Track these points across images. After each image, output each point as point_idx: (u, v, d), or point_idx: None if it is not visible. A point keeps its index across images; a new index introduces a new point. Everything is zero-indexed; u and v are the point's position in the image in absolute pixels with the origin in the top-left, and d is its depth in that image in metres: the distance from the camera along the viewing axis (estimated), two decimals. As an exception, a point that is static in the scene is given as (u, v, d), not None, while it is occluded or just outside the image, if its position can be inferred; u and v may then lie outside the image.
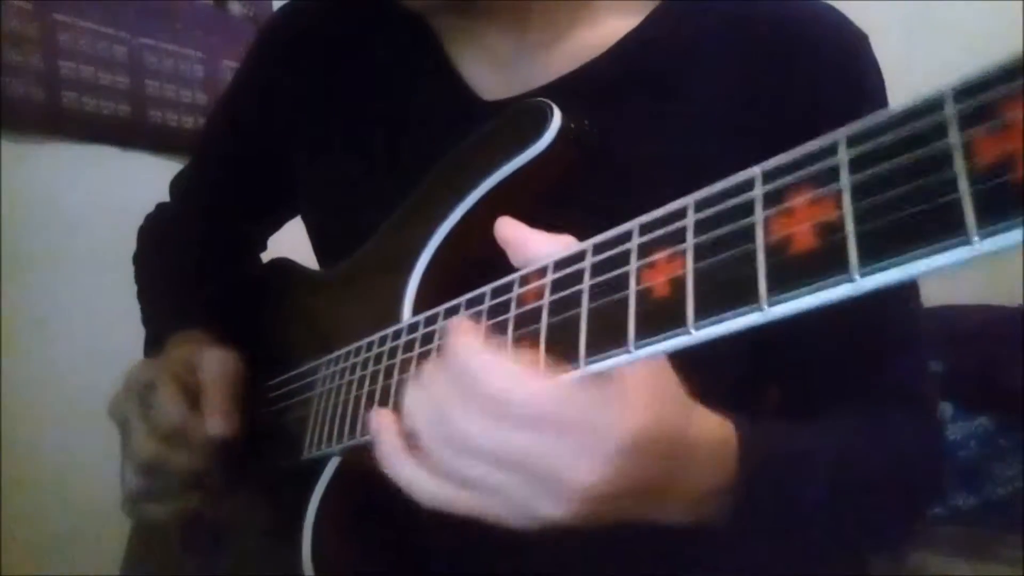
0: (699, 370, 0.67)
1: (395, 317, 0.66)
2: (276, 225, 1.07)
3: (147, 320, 1.00)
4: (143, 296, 1.04)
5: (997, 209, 0.24)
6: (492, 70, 0.77)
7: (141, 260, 1.07)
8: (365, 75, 0.83)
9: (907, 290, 0.71)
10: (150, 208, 1.10)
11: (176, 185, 1.08)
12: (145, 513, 0.79)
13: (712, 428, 0.53)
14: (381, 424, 0.55)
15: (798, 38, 0.69)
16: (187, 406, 0.75)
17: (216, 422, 0.74)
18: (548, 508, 0.47)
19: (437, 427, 0.48)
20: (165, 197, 1.09)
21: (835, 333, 0.68)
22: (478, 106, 0.75)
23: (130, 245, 1.08)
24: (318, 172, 0.87)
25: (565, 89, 0.71)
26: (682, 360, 0.64)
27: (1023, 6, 1.61)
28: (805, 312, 0.31)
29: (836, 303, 0.65)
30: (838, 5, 0.72)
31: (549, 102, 0.63)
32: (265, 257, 1.09)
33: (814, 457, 0.62)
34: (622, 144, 0.69)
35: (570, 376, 0.44)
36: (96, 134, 1.72)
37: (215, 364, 0.77)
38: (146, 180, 1.43)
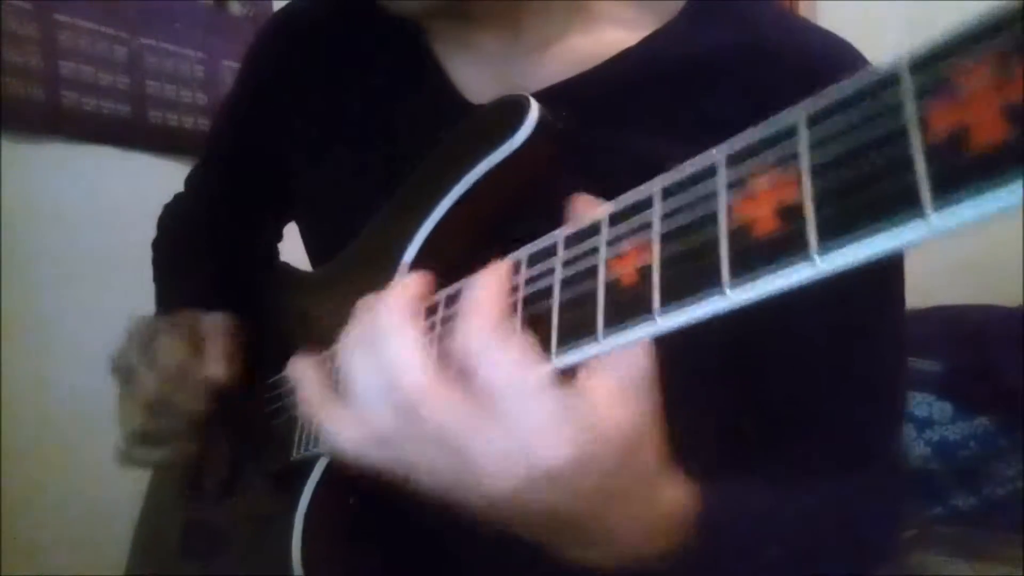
0: (677, 405, 0.68)
1: None
2: (285, 220, 1.08)
3: (158, 303, 1.02)
4: (158, 282, 1.06)
5: (952, 183, 0.24)
6: (483, 74, 0.76)
7: (157, 248, 1.09)
8: (357, 78, 0.83)
9: (890, 343, 0.72)
10: (150, 208, 1.10)
11: (191, 179, 1.10)
12: (143, 456, 0.84)
13: (676, 493, 0.52)
14: (303, 372, 0.56)
15: (806, 70, 0.66)
16: (188, 351, 0.79)
17: (216, 365, 0.79)
18: (461, 493, 0.46)
19: (392, 385, 0.47)
20: (164, 198, 1.10)
21: (811, 378, 0.69)
22: (468, 110, 0.75)
23: (129, 245, 1.08)
24: (311, 174, 0.87)
25: (559, 96, 0.70)
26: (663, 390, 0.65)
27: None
28: (769, 296, 0.31)
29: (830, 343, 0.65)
30: (843, 6, 0.71)
31: (527, 95, 0.63)
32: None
33: (765, 526, 0.62)
34: (614, 157, 0.69)
35: (545, 376, 0.43)
36: (96, 134, 1.71)
37: (215, 319, 0.83)
38: (146, 180, 1.44)
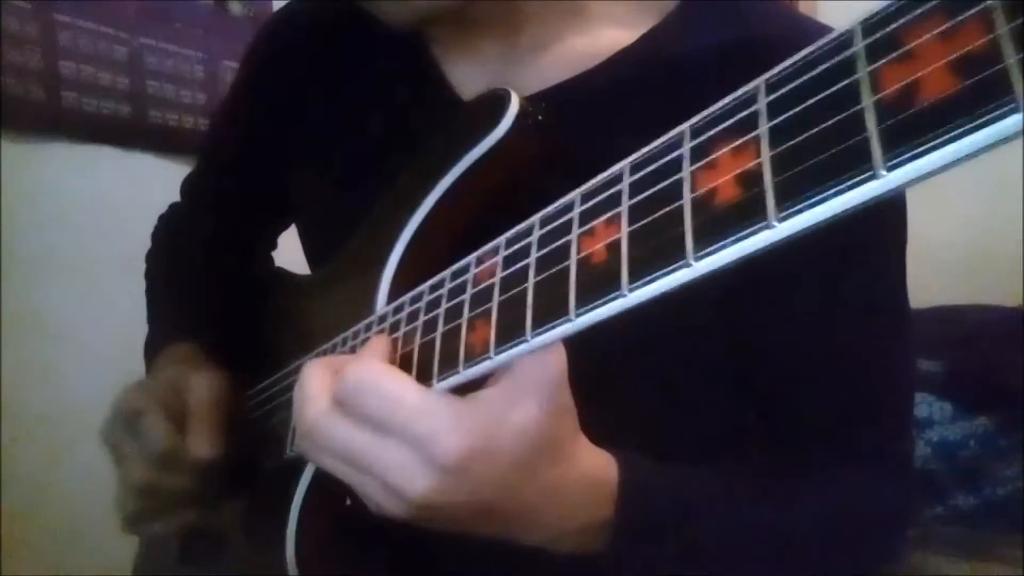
0: (681, 419, 0.68)
1: (371, 311, 0.66)
2: (281, 226, 1.08)
3: (150, 319, 1.02)
4: (150, 296, 1.05)
5: (902, 140, 0.24)
6: (481, 76, 0.76)
7: (152, 260, 1.08)
8: (357, 80, 0.83)
9: (900, 348, 0.72)
10: (150, 208, 1.10)
11: (186, 185, 1.09)
12: (144, 532, 0.82)
13: (593, 464, 0.55)
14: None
15: None
16: (174, 431, 0.77)
17: (202, 446, 0.76)
18: (391, 507, 0.50)
19: (299, 419, 0.53)
20: (165, 198, 1.10)
21: (823, 383, 0.69)
22: None
23: (129, 245, 1.08)
24: (309, 176, 0.87)
25: (557, 98, 0.70)
26: (668, 399, 0.67)
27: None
28: (733, 265, 0.31)
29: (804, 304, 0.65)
30: (842, 6, 0.71)
31: (507, 88, 0.63)
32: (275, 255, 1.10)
33: (709, 503, 0.63)
34: (613, 155, 0.68)
35: (437, 386, 0.49)
36: (96, 134, 1.72)
37: (201, 388, 0.79)
38: (146, 180, 1.44)
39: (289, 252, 1.02)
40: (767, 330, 0.68)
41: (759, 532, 0.64)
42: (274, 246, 1.11)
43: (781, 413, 0.71)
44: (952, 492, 1.70)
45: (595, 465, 0.55)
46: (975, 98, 0.23)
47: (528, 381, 0.48)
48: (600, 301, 0.37)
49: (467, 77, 0.77)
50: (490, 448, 0.47)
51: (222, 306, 0.96)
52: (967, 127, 0.22)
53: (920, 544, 1.58)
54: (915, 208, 0.66)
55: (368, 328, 0.63)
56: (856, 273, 0.66)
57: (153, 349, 0.93)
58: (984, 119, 0.22)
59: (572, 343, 0.45)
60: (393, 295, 0.66)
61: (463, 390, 0.50)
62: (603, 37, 0.72)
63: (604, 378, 0.62)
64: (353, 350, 0.64)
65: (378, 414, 0.48)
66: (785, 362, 0.69)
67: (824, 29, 0.69)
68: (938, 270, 1.91)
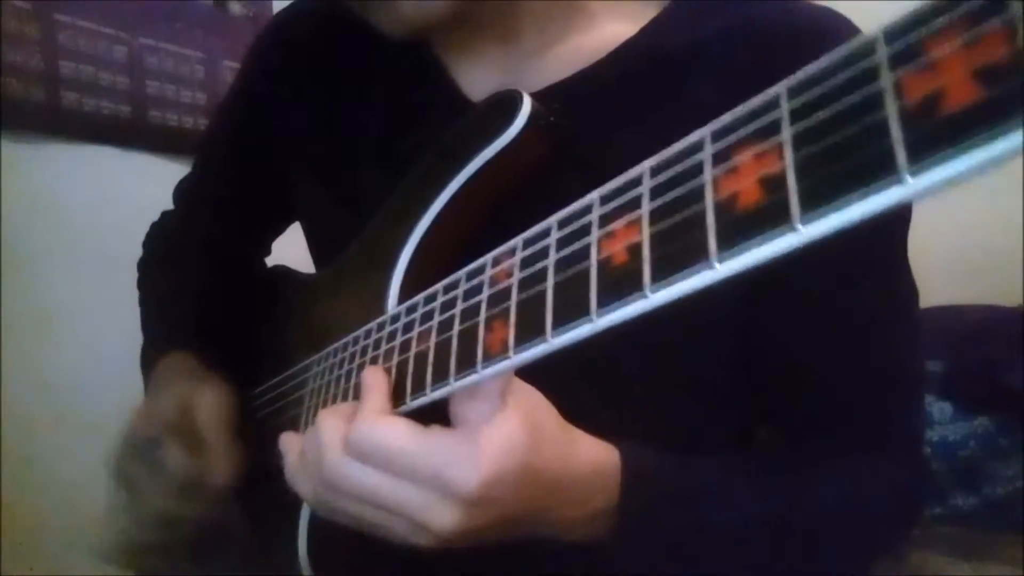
0: (691, 409, 0.68)
1: (381, 311, 0.67)
2: (278, 230, 1.08)
3: (144, 329, 1.01)
4: (143, 305, 1.05)
5: (927, 145, 0.24)
6: (486, 75, 0.76)
7: (144, 268, 1.08)
8: (359, 82, 0.83)
9: (907, 332, 0.72)
10: (150, 208, 1.10)
11: (179, 191, 1.08)
12: (158, 565, 0.83)
13: (593, 456, 0.57)
14: (287, 445, 0.62)
15: (805, 47, 0.67)
16: (192, 457, 0.77)
17: (223, 472, 0.77)
18: (422, 540, 0.52)
19: (315, 469, 0.55)
20: (165, 198, 1.09)
21: (832, 369, 0.70)
22: None
23: (130, 245, 1.08)
24: (314, 178, 0.87)
25: (562, 94, 0.70)
26: (673, 396, 0.68)
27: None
28: (756, 267, 0.31)
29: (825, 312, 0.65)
30: (842, 6, 0.71)
31: (519, 90, 0.63)
32: (269, 261, 1.09)
33: (712, 487, 0.65)
34: (618, 148, 0.68)
35: (455, 385, 0.50)
36: (96, 134, 1.71)
37: (209, 408, 0.79)
38: (146, 180, 1.44)
39: (290, 252, 1.02)
40: (774, 319, 0.69)
41: (763, 517, 0.65)
42: (268, 252, 1.11)
43: (790, 400, 0.72)
44: (952, 492, 1.71)
45: (596, 454, 0.57)
46: (999, 105, 0.23)
47: (494, 395, 0.50)
48: (621, 302, 0.37)
49: (472, 77, 0.77)
50: (502, 469, 0.49)
51: (217, 313, 0.96)
52: (992, 133, 0.23)
53: (920, 544, 1.59)
54: (916, 208, 0.67)
55: (380, 327, 0.63)
56: (863, 259, 0.67)
57: (150, 360, 0.92)
58: (1008, 126, 0.23)
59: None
60: (404, 295, 0.67)
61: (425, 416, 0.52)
62: (605, 32, 0.73)
63: (612, 369, 0.63)
64: (364, 350, 0.65)
65: (392, 463, 0.50)
66: (793, 350, 0.70)
67: (827, 14, 0.69)
68: (938, 270, 1.91)
